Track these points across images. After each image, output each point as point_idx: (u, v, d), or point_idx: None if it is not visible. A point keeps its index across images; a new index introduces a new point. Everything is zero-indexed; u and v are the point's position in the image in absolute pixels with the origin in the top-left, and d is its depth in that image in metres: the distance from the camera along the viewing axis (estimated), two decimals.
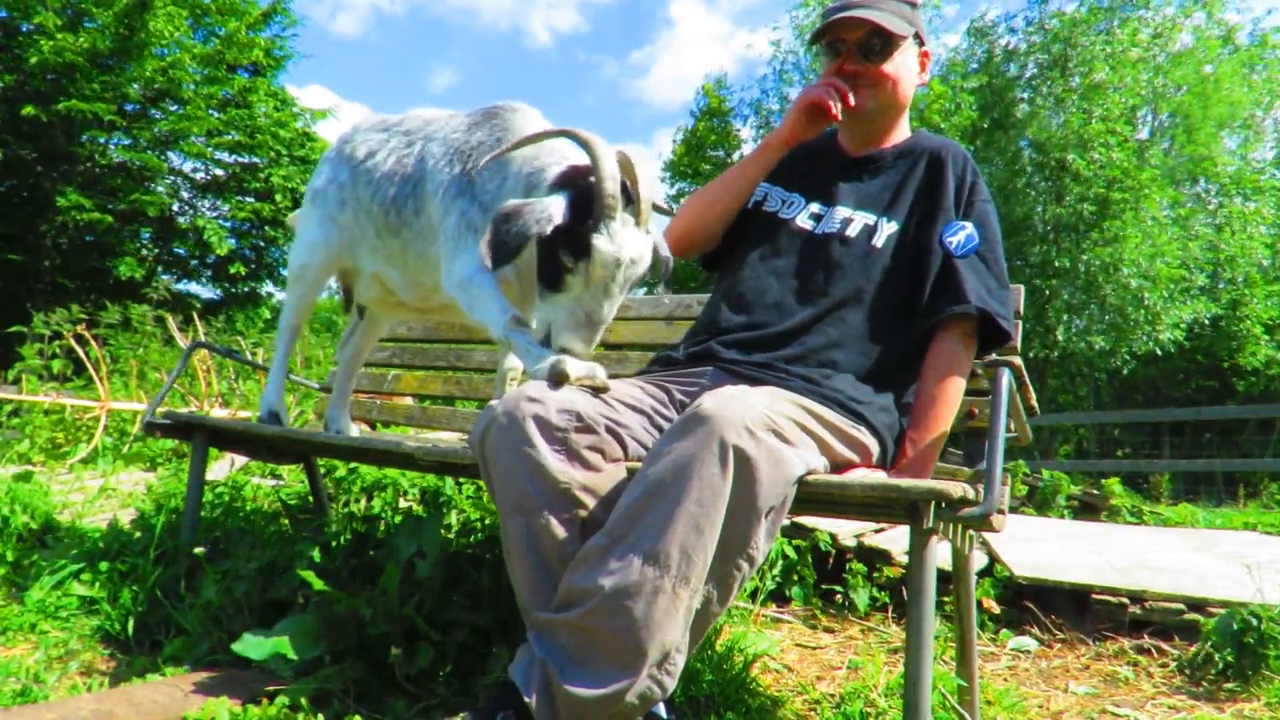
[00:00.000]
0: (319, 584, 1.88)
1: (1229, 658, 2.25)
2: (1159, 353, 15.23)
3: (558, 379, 1.53)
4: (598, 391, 1.57)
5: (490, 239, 1.60)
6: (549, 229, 1.61)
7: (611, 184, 1.61)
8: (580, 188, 1.67)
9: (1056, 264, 14.87)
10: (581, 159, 1.76)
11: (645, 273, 1.75)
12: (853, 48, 1.80)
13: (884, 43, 1.79)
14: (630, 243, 1.64)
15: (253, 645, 1.81)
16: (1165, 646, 2.52)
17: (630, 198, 1.68)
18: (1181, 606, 2.62)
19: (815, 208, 1.83)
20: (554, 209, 1.63)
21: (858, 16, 1.75)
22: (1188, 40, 15.38)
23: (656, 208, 1.84)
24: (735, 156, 22.80)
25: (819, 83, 1.83)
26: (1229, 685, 2.22)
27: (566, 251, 1.64)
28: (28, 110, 13.56)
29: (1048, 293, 15.02)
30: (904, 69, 1.83)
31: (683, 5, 55.48)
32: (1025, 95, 16.04)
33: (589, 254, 1.62)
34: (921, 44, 1.87)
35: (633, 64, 58.04)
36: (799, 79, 19.66)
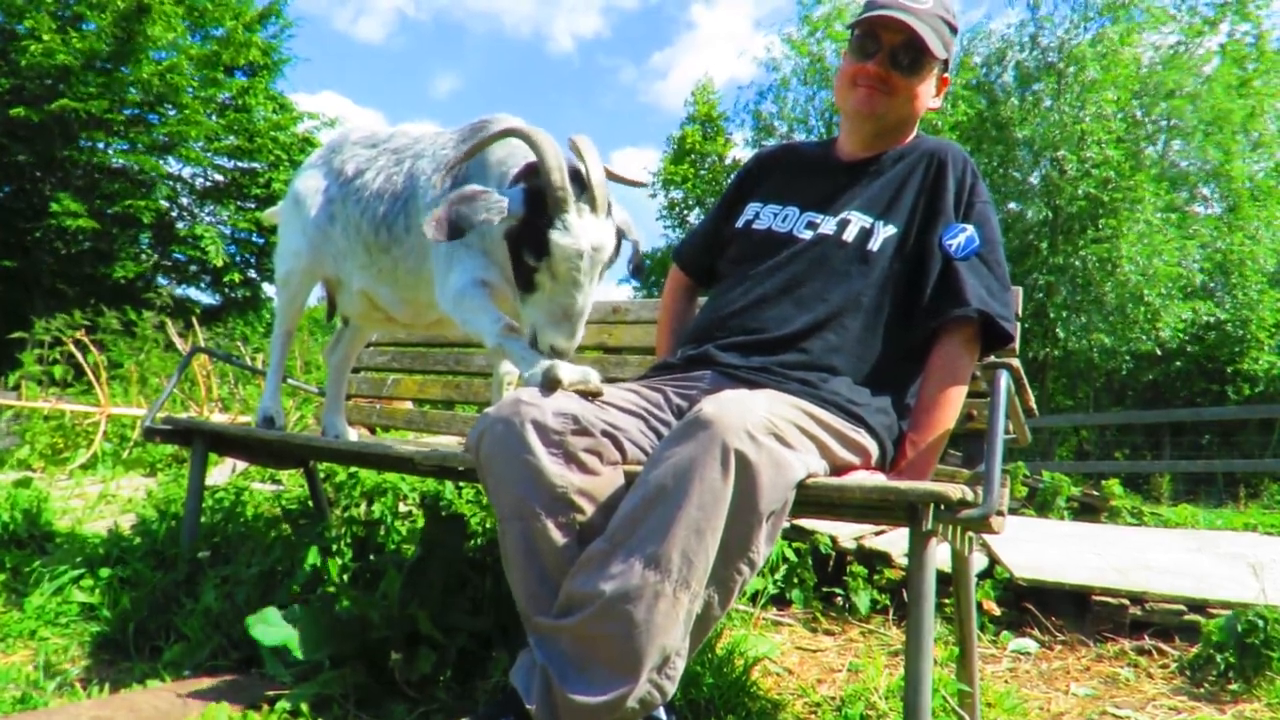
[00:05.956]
0: (333, 582, 1.88)
1: (1230, 659, 2.25)
2: (1159, 352, 15.22)
3: (550, 385, 1.54)
4: (592, 396, 1.57)
5: (442, 215, 1.65)
6: (496, 219, 1.66)
7: (558, 175, 1.64)
8: (533, 184, 1.70)
9: (1052, 261, 14.87)
10: None
11: (613, 257, 1.77)
12: (885, 51, 1.75)
13: (916, 58, 1.75)
14: (587, 232, 1.66)
15: (265, 629, 1.80)
16: (1166, 648, 2.52)
17: (584, 185, 1.69)
18: (1182, 607, 2.61)
19: (811, 216, 1.81)
20: (504, 202, 1.67)
21: (904, 21, 1.70)
22: (1211, 44, 15.32)
23: (615, 176, 1.87)
24: (728, 161, 22.76)
25: None
26: (1231, 687, 2.22)
27: (529, 251, 1.68)
28: (18, 112, 13.58)
29: (1046, 289, 15.02)
30: (924, 89, 1.80)
31: (703, 8, 55.47)
32: (1016, 100, 16.04)
33: (549, 250, 1.65)
34: (946, 68, 1.84)
35: (652, 67, 58.03)
36: (795, 83, 19.63)
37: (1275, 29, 15.83)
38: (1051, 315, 15.04)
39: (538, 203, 1.67)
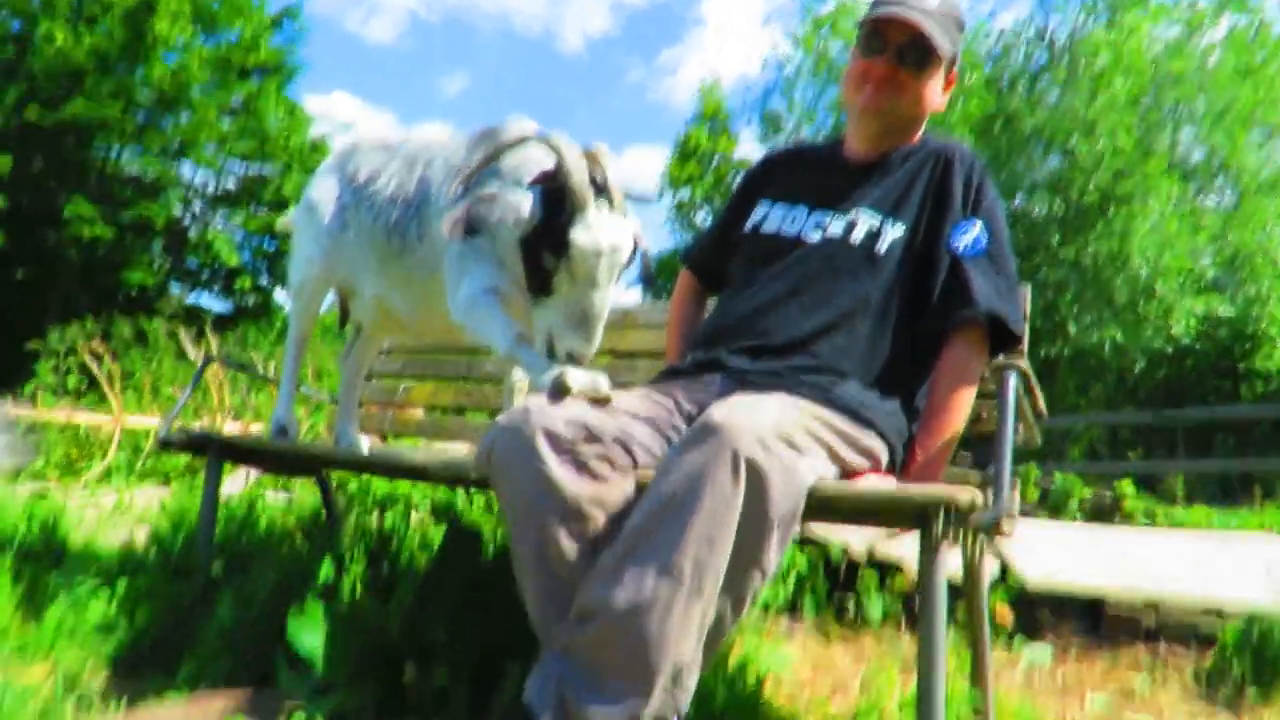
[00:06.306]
0: (348, 594, 1.88)
1: (1247, 666, 2.23)
2: (1169, 351, 15.11)
3: (560, 391, 1.54)
4: (601, 403, 1.57)
5: (460, 214, 1.66)
6: (513, 219, 1.67)
7: (578, 175, 1.65)
8: (551, 187, 1.70)
9: (1061, 255, 14.78)
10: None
11: (629, 260, 1.77)
12: (891, 49, 1.75)
13: (924, 55, 1.74)
14: (607, 230, 1.66)
15: (301, 637, 1.81)
16: (1182, 654, 2.50)
17: (602, 188, 1.70)
18: (1198, 613, 2.59)
19: (819, 217, 1.80)
20: (523, 203, 1.67)
21: (911, 20, 1.70)
22: (1215, 36, 15.24)
23: (636, 196, 1.86)
24: (735, 157, 22.78)
25: None
26: (1249, 694, 2.20)
27: (548, 252, 1.67)
28: (31, 112, 13.72)
29: (1056, 285, 14.93)
30: (932, 86, 1.80)
31: (712, 4, 55.70)
32: (1024, 90, 16.01)
33: (569, 250, 1.64)
34: (953, 66, 1.84)
35: (661, 64, 58.35)
36: (801, 82, 19.59)
37: (1276, 19, 15.67)
38: (1063, 311, 14.95)
39: (556, 204, 1.67)
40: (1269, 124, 15.28)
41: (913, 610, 2.76)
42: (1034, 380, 1.70)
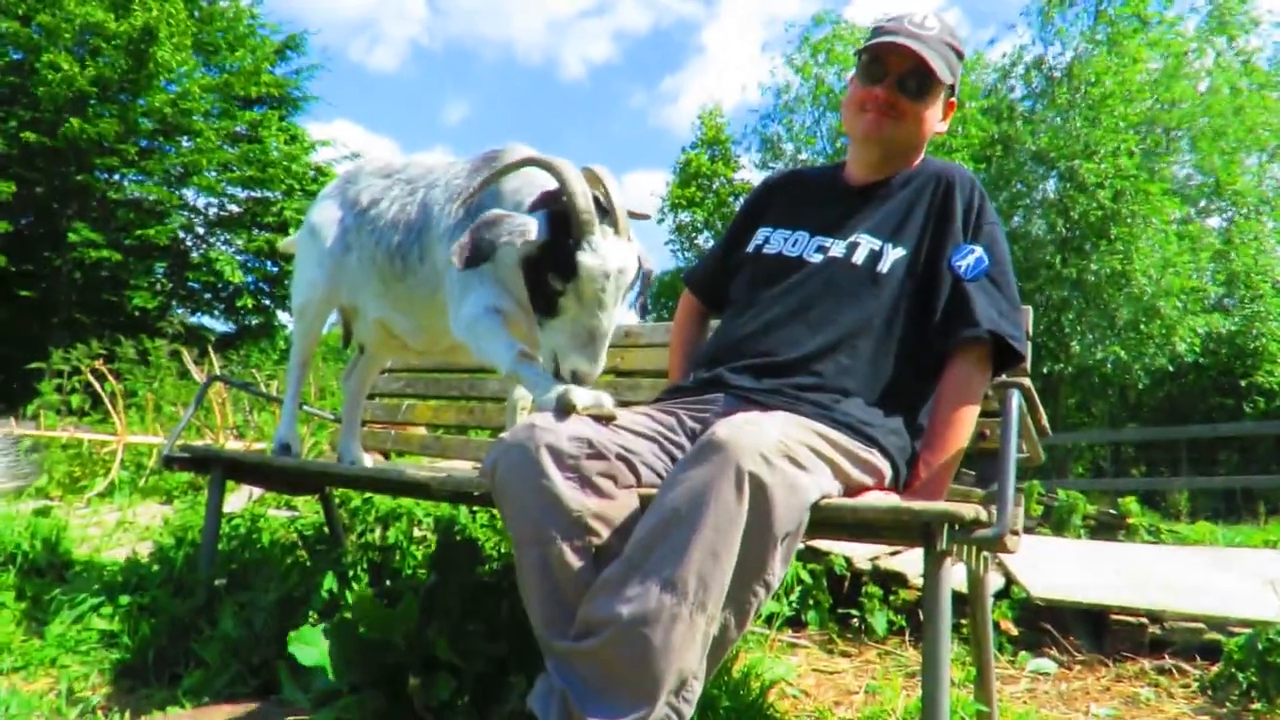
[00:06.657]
0: (351, 607, 1.88)
1: (1252, 678, 2.23)
2: (1171, 369, 15.13)
3: (564, 409, 1.55)
4: (605, 420, 1.58)
5: (466, 241, 1.66)
6: (519, 242, 1.68)
7: (583, 199, 1.67)
8: (555, 209, 1.72)
9: (1064, 274, 14.83)
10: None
11: (634, 281, 1.79)
12: (891, 77, 1.78)
13: (924, 83, 1.77)
14: (613, 253, 1.69)
15: (303, 650, 1.81)
16: (1186, 667, 2.50)
17: (606, 210, 1.73)
18: (1202, 626, 2.59)
19: (821, 240, 1.82)
20: (530, 225, 1.69)
21: (910, 48, 1.73)
22: (1205, 62, 15.40)
23: (632, 214, 1.88)
24: (735, 179, 23.00)
25: None
26: (1254, 706, 2.20)
27: (554, 274, 1.69)
28: (28, 136, 13.82)
29: (1059, 304, 14.97)
30: (931, 113, 1.82)
31: (712, 32, 56.19)
32: (1024, 111, 16.15)
33: (576, 272, 1.66)
34: (952, 93, 1.86)
35: (662, 91, 58.74)
36: (799, 105, 19.76)
37: (1262, 49, 15.80)
38: (1065, 330, 14.99)
39: (561, 227, 1.69)
40: (1262, 148, 15.44)
41: (917, 622, 2.77)
42: (1036, 398, 1.72)
